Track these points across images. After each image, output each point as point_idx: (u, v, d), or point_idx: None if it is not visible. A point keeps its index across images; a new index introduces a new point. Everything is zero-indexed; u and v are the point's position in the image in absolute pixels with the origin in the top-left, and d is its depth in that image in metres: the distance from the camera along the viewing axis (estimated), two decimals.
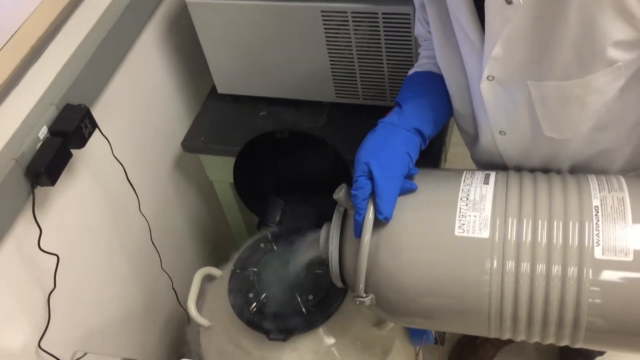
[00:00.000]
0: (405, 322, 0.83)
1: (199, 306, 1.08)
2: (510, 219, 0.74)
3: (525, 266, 0.71)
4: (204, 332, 1.07)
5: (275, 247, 1.07)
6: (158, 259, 1.11)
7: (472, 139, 0.92)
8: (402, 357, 1.08)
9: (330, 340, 0.97)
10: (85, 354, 0.87)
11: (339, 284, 0.86)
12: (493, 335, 0.75)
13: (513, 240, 0.72)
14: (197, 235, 1.35)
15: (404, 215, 0.78)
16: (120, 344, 1.07)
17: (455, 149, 1.59)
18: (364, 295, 0.77)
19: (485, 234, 0.74)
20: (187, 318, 1.04)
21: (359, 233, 0.76)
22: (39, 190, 0.81)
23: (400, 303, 0.78)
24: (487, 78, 0.75)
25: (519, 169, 0.87)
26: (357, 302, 0.78)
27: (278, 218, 1.12)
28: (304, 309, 0.96)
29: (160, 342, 1.18)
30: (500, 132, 0.82)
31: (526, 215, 0.74)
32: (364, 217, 0.75)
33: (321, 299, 0.97)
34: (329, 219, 0.99)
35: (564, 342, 0.74)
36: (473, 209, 0.76)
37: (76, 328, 0.93)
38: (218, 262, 1.15)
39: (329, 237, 0.83)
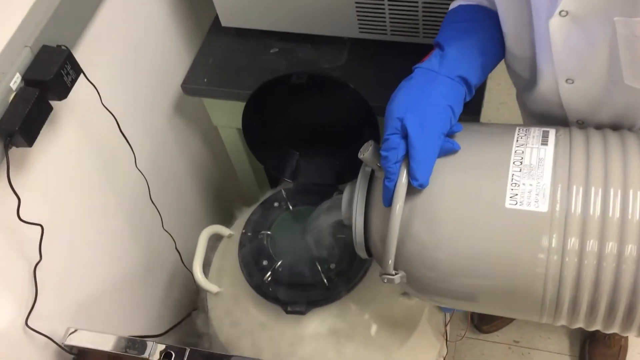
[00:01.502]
0: (440, 303, 0.75)
1: (206, 269, 1.01)
2: (574, 188, 0.64)
3: (591, 244, 0.62)
4: (212, 298, 1.01)
5: (290, 207, 0.99)
6: (158, 218, 1.03)
7: (525, 85, 0.80)
8: (432, 326, 1.02)
9: (354, 312, 0.91)
10: (75, 330, 0.81)
11: (364, 255, 0.78)
12: (545, 321, 0.68)
13: (578, 214, 0.63)
14: (201, 190, 1.27)
15: (444, 181, 0.69)
16: (120, 313, 1.01)
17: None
18: (393, 272, 0.69)
19: (544, 206, 0.64)
20: (194, 281, 0.97)
21: (388, 202, 0.67)
22: (14, 152, 0.72)
23: (435, 283, 0.70)
24: (560, 13, 0.63)
25: (582, 124, 0.77)
26: (385, 280, 0.70)
27: (293, 172, 1.03)
28: (325, 279, 0.88)
29: (164, 308, 1.13)
30: (567, 80, 0.71)
31: (595, 183, 0.64)
32: (396, 183, 0.66)
33: (344, 267, 0.90)
34: (352, 176, 0.90)
35: (623, 331, 0.66)
36: (529, 175, 0.67)
37: (68, 301, 0.87)
38: (226, 220, 1.08)
39: (353, 202, 0.75)
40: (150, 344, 0.79)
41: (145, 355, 0.78)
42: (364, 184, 0.75)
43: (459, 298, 0.72)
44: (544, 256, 0.63)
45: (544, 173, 0.66)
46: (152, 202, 1.00)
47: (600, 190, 0.64)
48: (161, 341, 1.08)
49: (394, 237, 0.67)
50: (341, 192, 0.98)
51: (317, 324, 0.90)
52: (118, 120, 0.90)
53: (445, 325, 1.09)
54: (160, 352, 0.77)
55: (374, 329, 0.91)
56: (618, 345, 1.43)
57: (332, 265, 0.90)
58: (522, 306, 0.68)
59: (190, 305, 1.12)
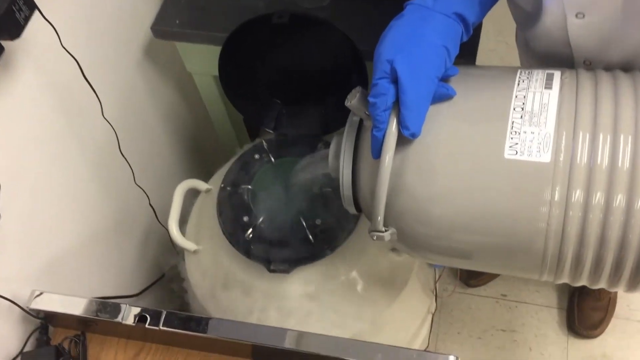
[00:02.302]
0: (433, 261, 0.72)
1: (183, 226, 0.97)
2: (580, 136, 0.60)
3: (598, 197, 0.58)
4: (190, 256, 0.97)
5: (272, 159, 0.94)
6: (129, 172, 0.98)
7: (528, 19, 0.75)
8: (421, 282, 1.00)
9: (341, 270, 0.88)
10: (41, 293, 0.77)
11: (353, 210, 0.74)
12: (545, 279, 0.65)
13: (584, 164, 0.59)
14: (176, 142, 1.21)
15: (438, 130, 0.64)
16: (90, 274, 0.97)
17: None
18: (383, 229, 0.66)
19: (546, 156, 0.60)
20: (170, 239, 0.93)
21: (377, 153, 0.63)
22: None
23: (429, 239, 0.67)
24: None
25: (589, 64, 0.72)
26: (375, 238, 0.67)
27: (274, 123, 0.98)
28: (310, 236, 0.85)
29: (139, 267, 1.09)
30: (577, 14, 0.66)
31: (603, 130, 0.60)
32: (385, 132, 0.62)
33: (330, 222, 0.86)
34: (338, 125, 0.86)
35: (629, 289, 0.64)
36: (530, 122, 0.62)
37: (32, 262, 0.83)
38: (203, 174, 1.03)
39: (340, 154, 0.70)
40: (123, 306, 0.75)
41: (118, 319, 0.74)
42: (352, 134, 0.71)
43: (454, 255, 0.68)
44: (545, 210, 0.60)
45: (547, 120, 0.62)
46: (122, 154, 0.94)
47: (609, 137, 0.59)
48: (136, 302, 1.06)
49: (383, 192, 0.63)
50: (327, 144, 0.94)
51: (301, 283, 0.87)
52: (81, 65, 0.83)
53: (435, 282, 1.07)
54: (135, 316, 0.74)
55: (362, 286, 0.89)
56: (607, 297, 1.43)
57: (318, 221, 0.86)
58: (521, 264, 0.65)
59: (166, 264, 1.08)
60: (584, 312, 1.43)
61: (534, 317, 1.48)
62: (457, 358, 0.66)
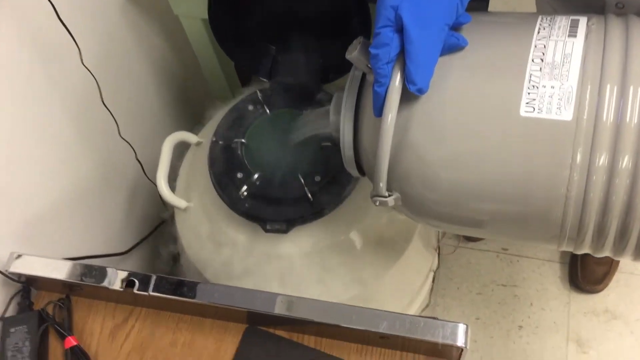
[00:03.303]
0: (441, 229, 0.69)
1: (172, 182, 0.93)
2: (607, 90, 0.55)
3: (626, 161, 0.54)
4: (180, 214, 0.93)
5: (267, 110, 0.90)
6: (113, 124, 0.93)
7: None
8: (424, 241, 0.97)
9: (341, 230, 0.85)
10: (20, 255, 0.74)
11: (355, 173, 0.71)
12: (565, 249, 0.62)
13: (610, 122, 0.55)
14: (163, 91, 1.15)
15: (447, 85, 0.60)
16: (75, 232, 0.94)
17: None
18: (386, 194, 0.63)
19: (567, 113, 0.56)
20: (159, 195, 0.90)
21: (379, 111, 0.59)
22: None
23: (437, 206, 0.64)
24: None
25: (622, 7, 0.67)
26: (377, 203, 0.63)
27: (269, 70, 0.93)
28: (309, 194, 0.81)
29: (127, 225, 1.06)
30: None
31: (634, 83, 0.55)
32: (387, 88, 0.58)
33: (331, 179, 0.83)
34: (338, 74, 0.81)
35: None
36: (550, 75, 0.58)
37: (11, 222, 0.79)
38: (193, 125, 0.98)
39: (341, 112, 0.66)
40: (110, 270, 0.72)
41: (105, 283, 0.71)
42: (354, 90, 0.67)
43: (464, 224, 0.65)
44: (566, 174, 0.56)
45: (569, 72, 0.58)
46: (105, 105, 0.89)
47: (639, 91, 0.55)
48: (124, 260, 1.04)
49: (386, 154, 0.59)
50: (327, 95, 0.89)
51: (299, 243, 0.84)
52: (56, 7, 0.77)
53: (439, 240, 1.05)
54: (122, 280, 0.71)
55: (362, 246, 0.86)
56: None
57: (317, 178, 0.82)
58: (538, 233, 0.62)
59: (156, 221, 1.05)
60: (587, 266, 1.42)
61: (536, 271, 1.47)
62: (467, 326, 0.64)
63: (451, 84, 0.60)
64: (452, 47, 0.61)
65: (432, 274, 1.07)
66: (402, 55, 0.57)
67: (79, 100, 0.89)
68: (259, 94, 0.90)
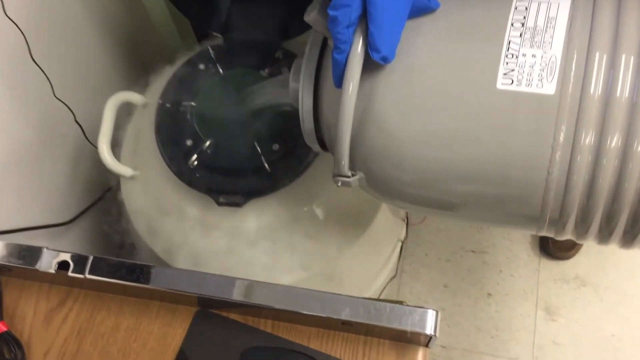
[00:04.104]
0: (410, 211, 0.65)
1: (117, 148, 0.87)
2: (596, 59, 0.51)
3: (615, 140, 0.50)
4: (126, 183, 0.87)
5: (220, 70, 0.83)
6: (46, 82, 0.85)
7: None
8: (392, 210, 0.94)
9: (302, 202, 0.80)
10: None
11: (316, 147, 0.67)
12: (545, 234, 0.59)
13: (598, 96, 0.51)
14: (106, 45, 1.06)
15: (415, 53, 0.55)
16: (12, 200, 0.87)
17: None
18: (349, 173, 0.58)
19: (550, 86, 0.52)
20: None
21: (338, 81, 0.55)
22: None
23: (404, 187, 0.60)
24: None
25: None
26: (339, 184, 0.59)
27: (223, 24, 0.86)
28: (266, 164, 0.76)
29: (70, 194, 0.99)
30: None
31: (627, 52, 0.51)
32: (348, 56, 0.53)
33: (290, 147, 0.77)
34: (299, 30, 0.75)
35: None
36: (532, 42, 0.53)
37: None
38: (139, 85, 0.91)
39: (300, 81, 0.62)
40: (43, 250, 0.66)
41: (36, 265, 0.66)
42: (314, 56, 0.62)
43: (434, 206, 0.61)
44: (547, 154, 0.52)
45: (553, 39, 0.53)
46: (34, 61, 0.81)
47: (632, 61, 0.50)
48: (67, 232, 0.98)
49: (347, 129, 0.54)
50: (286, 53, 0.83)
51: (255, 217, 0.79)
52: None
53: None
54: (56, 262, 0.65)
55: (326, 219, 0.82)
56: None
57: (276, 146, 0.77)
58: (515, 218, 0.58)
59: (103, 188, 0.99)
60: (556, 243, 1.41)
61: (506, 238, 1.46)
62: (436, 312, 0.61)
63: (420, 51, 0.56)
64: (421, 9, 0.56)
65: (399, 244, 1.04)
66: (364, 19, 0.52)
67: (5, 57, 0.80)
68: (211, 51, 0.83)
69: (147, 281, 0.65)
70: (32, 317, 0.71)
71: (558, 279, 1.41)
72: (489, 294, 1.41)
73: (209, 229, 0.81)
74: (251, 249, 0.80)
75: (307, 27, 0.61)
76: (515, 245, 1.45)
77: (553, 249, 1.41)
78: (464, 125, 0.55)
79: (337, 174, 0.59)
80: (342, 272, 0.86)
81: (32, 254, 0.66)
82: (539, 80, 0.52)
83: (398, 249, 1.05)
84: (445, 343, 1.36)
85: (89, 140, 0.95)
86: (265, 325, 0.69)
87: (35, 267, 0.65)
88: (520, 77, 0.53)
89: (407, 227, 1.04)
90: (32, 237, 0.89)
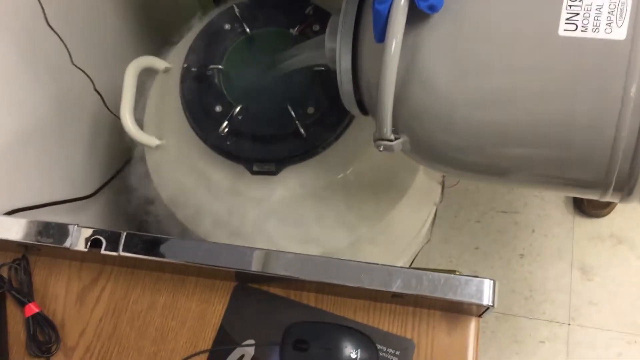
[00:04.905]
0: (458, 177, 0.62)
1: (139, 116, 0.83)
2: None
3: None
4: (151, 152, 0.84)
5: (247, 30, 0.79)
6: (64, 49, 0.81)
7: None
8: (429, 174, 0.90)
9: (338, 168, 0.77)
10: None
11: (356, 111, 0.63)
12: (609, 199, 0.55)
13: None
14: (121, 8, 1.01)
15: (465, 0, 0.51)
16: (32, 174, 0.84)
17: None
18: (392, 137, 0.54)
19: (620, 32, 0.48)
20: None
21: (380, 35, 0.50)
22: None
23: (453, 152, 0.56)
24: None
25: None
26: (381, 148, 0.56)
27: None
28: (301, 129, 0.72)
29: (90, 165, 0.96)
30: None
31: None
32: (391, 5, 0.49)
33: (325, 110, 0.74)
34: None
35: None
36: None
37: None
38: (159, 48, 0.87)
39: (337, 39, 0.58)
40: (71, 228, 0.64)
41: (66, 244, 0.63)
42: (352, 9, 0.58)
43: (486, 172, 0.57)
44: (615, 109, 0.47)
45: None
46: (50, 27, 0.77)
47: None
48: (88, 206, 0.95)
49: (390, 89, 0.50)
50: (317, 9, 0.79)
51: (291, 185, 0.76)
52: None
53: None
54: (87, 240, 0.63)
55: (362, 186, 0.78)
56: None
57: (310, 110, 0.73)
58: (576, 183, 0.54)
59: (124, 159, 0.96)
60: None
61: (537, 196, 1.43)
62: (493, 282, 0.59)
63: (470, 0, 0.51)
64: None
65: (435, 208, 1.01)
66: None
67: (19, 23, 0.76)
68: (236, 9, 0.79)
69: (184, 256, 0.62)
70: (64, 297, 0.69)
71: (593, 237, 1.38)
72: (522, 255, 1.38)
73: (240, 198, 0.78)
74: (286, 218, 0.77)
75: None
76: (548, 204, 1.42)
77: (587, 207, 1.38)
78: (521, 80, 0.51)
79: (379, 138, 0.55)
80: (379, 239, 0.84)
81: (61, 231, 0.64)
82: (607, 24, 0.48)
83: (433, 212, 1.02)
84: None
85: (109, 109, 0.92)
86: (309, 299, 0.67)
87: (66, 246, 0.63)
88: (585, 21, 0.48)
89: (442, 190, 1.01)
90: (53, 213, 0.86)
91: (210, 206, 0.79)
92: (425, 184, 0.90)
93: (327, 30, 0.63)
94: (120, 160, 0.98)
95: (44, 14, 0.77)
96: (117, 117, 0.82)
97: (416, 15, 0.50)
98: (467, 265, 1.37)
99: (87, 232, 0.63)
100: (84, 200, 0.93)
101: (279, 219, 0.77)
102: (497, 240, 1.39)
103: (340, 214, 0.78)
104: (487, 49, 0.51)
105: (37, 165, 0.85)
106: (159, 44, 0.89)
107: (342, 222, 0.78)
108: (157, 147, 0.82)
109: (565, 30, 0.49)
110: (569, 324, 1.32)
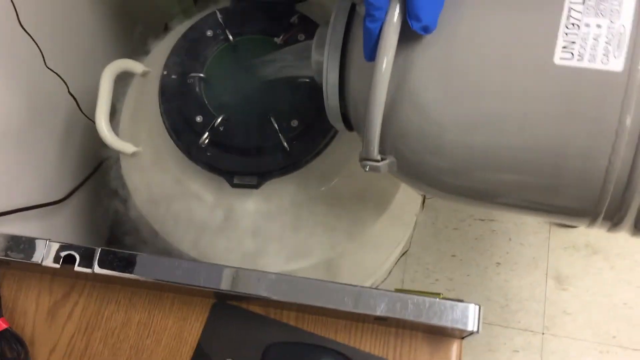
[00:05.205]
0: (444, 199, 0.60)
1: (113, 122, 0.81)
2: None
3: None
4: (127, 159, 0.82)
5: (230, 37, 0.76)
6: (37, 51, 0.78)
7: None
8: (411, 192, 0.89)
9: (321, 182, 0.75)
10: None
11: (341, 127, 0.62)
12: (598, 228, 0.55)
13: None
14: (97, 8, 0.98)
15: (459, 21, 0.50)
16: (2, 181, 0.81)
17: None
18: (379, 157, 0.53)
19: (617, 63, 0.47)
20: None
21: (370, 53, 0.49)
22: None
23: (441, 175, 0.55)
24: None
25: None
26: (367, 169, 0.54)
27: None
28: (284, 142, 0.71)
29: (63, 169, 0.92)
30: None
31: None
32: (382, 24, 0.48)
33: (309, 123, 0.72)
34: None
35: None
36: (597, 10, 0.48)
37: None
38: (137, 50, 0.85)
39: (325, 53, 0.57)
40: (42, 243, 0.61)
41: (37, 259, 0.61)
42: (340, 23, 0.56)
43: (473, 196, 0.56)
44: (609, 141, 0.47)
45: (622, 6, 0.47)
46: (24, 28, 0.74)
47: None
48: (60, 211, 0.92)
49: (378, 109, 0.49)
50: (303, 18, 0.77)
51: (273, 199, 0.74)
52: None
53: None
54: (58, 255, 0.60)
55: (346, 198, 0.77)
56: None
57: (294, 123, 0.71)
58: (564, 211, 0.54)
59: (96, 162, 0.93)
60: None
61: None
62: (479, 307, 0.57)
63: (464, 19, 0.50)
64: None
65: (415, 219, 1.00)
66: None
67: None
68: (218, 15, 0.76)
69: (161, 275, 0.60)
70: (35, 312, 0.66)
71: (568, 247, 1.39)
72: (498, 263, 1.38)
73: (218, 210, 0.76)
74: (265, 231, 0.75)
75: None
76: None
77: None
78: (514, 106, 0.49)
79: (365, 158, 0.54)
80: (359, 252, 0.83)
81: (32, 246, 0.61)
82: (604, 54, 0.47)
83: (413, 223, 1.01)
84: None
85: (83, 113, 0.89)
86: (289, 318, 0.65)
87: (37, 262, 0.61)
88: (582, 50, 0.48)
89: (423, 202, 1.00)
90: (24, 218, 0.83)
91: (187, 216, 0.77)
92: (407, 196, 0.89)
93: (314, 41, 0.61)
94: (92, 163, 0.95)
95: (17, 16, 0.73)
96: (91, 120, 0.79)
97: (407, 35, 0.49)
98: (443, 273, 1.37)
99: (61, 248, 0.61)
100: (55, 206, 0.90)
101: (257, 231, 0.75)
102: (474, 248, 1.39)
103: (320, 227, 0.77)
104: (480, 72, 0.50)
105: (7, 168, 0.82)
106: (136, 46, 0.86)
107: (321, 235, 0.77)
108: (134, 153, 0.79)
109: (561, 58, 0.48)
110: (543, 333, 1.33)
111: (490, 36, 0.50)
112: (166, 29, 0.85)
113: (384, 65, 0.48)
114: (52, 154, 0.90)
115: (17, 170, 0.84)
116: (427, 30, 0.48)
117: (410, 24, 0.47)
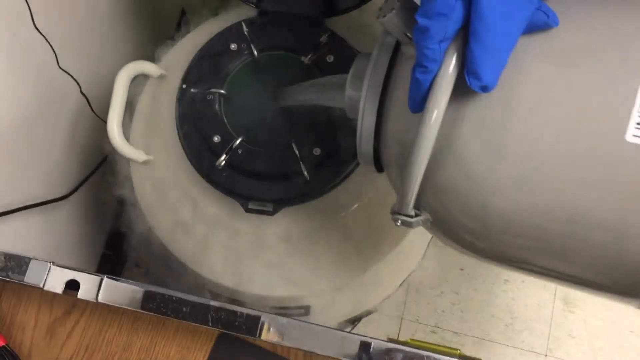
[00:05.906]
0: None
1: (125, 126, 0.77)
2: None
3: None
4: (137, 167, 0.79)
5: (255, 52, 0.73)
6: (50, 51, 0.75)
7: None
8: None
9: (338, 212, 0.73)
10: None
11: (372, 169, 0.58)
12: None
13: None
14: (112, 7, 0.93)
15: (520, 80, 0.45)
16: (8, 175, 0.78)
17: None
18: (413, 212, 0.50)
19: None
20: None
21: (417, 105, 0.45)
22: None
23: (479, 239, 0.51)
24: None
25: None
26: (398, 223, 0.51)
27: None
28: (304, 170, 0.68)
29: (69, 165, 0.90)
30: None
31: None
32: (435, 77, 0.43)
33: (331, 151, 0.69)
34: (348, 6, 0.67)
35: None
36: None
37: None
38: (153, 48, 0.81)
39: (362, 88, 0.52)
40: (43, 265, 0.59)
41: (40, 284, 0.58)
42: (383, 62, 0.52)
43: (512, 265, 0.53)
44: None
45: None
46: (37, 28, 0.71)
47: None
48: (63, 207, 0.90)
49: (421, 165, 0.45)
50: (332, 35, 0.73)
51: (287, 226, 0.71)
52: None
53: None
54: (64, 281, 0.58)
55: (362, 228, 0.74)
56: None
57: (317, 151, 0.68)
58: (615, 290, 0.51)
59: (99, 158, 0.90)
60: None
61: None
62: None
63: (525, 80, 0.45)
64: (536, 26, 0.45)
65: (427, 245, 0.98)
66: (464, 33, 0.43)
67: (5, 23, 0.70)
68: (244, 26, 0.73)
69: (167, 311, 0.58)
70: (33, 328, 0.64)
71: None
72: (506, 280, 1.36)
73: (227, 231, 0.74)
74: (274, 256, 0.73)
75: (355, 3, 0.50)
76: None
77: None
78: (574, 183, 0.44)
79: (398, 212, 0.51)
80: (376, 280, 0.81)
81: (35, 269, 0.59)
82: None
83: (425, 248, 0.99)
84: (457, 329, 1.33)
85: (95, 114, 0.86)
86: (297, 355, 0.63)
87: (39, 286, 0.58)
88: None
89: None
90: (28, 213, 0.81)
91: (195, 233, 0.75)
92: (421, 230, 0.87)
93: (350, 74, 0.57)
94: (97, 159, 0.92)
95: (32, 16, 0.70)
96: (102, 120, 0.76)
97: (460, 87, 0.44)
98: (449, 286, 1.35)
99: (63, 273, 0.58)
100: (58, 202, 0.87)
101: (267, 257, 0.73)
102: (482, 263, 1.37)
103: (332, 256, 0.74)
104: (537, 140, 0.45)
105: (13, 164, 0.80)
106: (153, 43, 0.82)
107: (332, 264, 0.74)
108: (145, 162, 0.77)
109: (634, 135, 0.43)
110: (546, 355, 1.31)
111: (552, 102, 0.44)
112: (183, 13, 0.80)
113: (432, 121, 0.44)
114: (57, 151, 0.87)
115: (23, 165, 0.81)
116: (485, 90, 0.44)
117: (467, 81, 0.43)
